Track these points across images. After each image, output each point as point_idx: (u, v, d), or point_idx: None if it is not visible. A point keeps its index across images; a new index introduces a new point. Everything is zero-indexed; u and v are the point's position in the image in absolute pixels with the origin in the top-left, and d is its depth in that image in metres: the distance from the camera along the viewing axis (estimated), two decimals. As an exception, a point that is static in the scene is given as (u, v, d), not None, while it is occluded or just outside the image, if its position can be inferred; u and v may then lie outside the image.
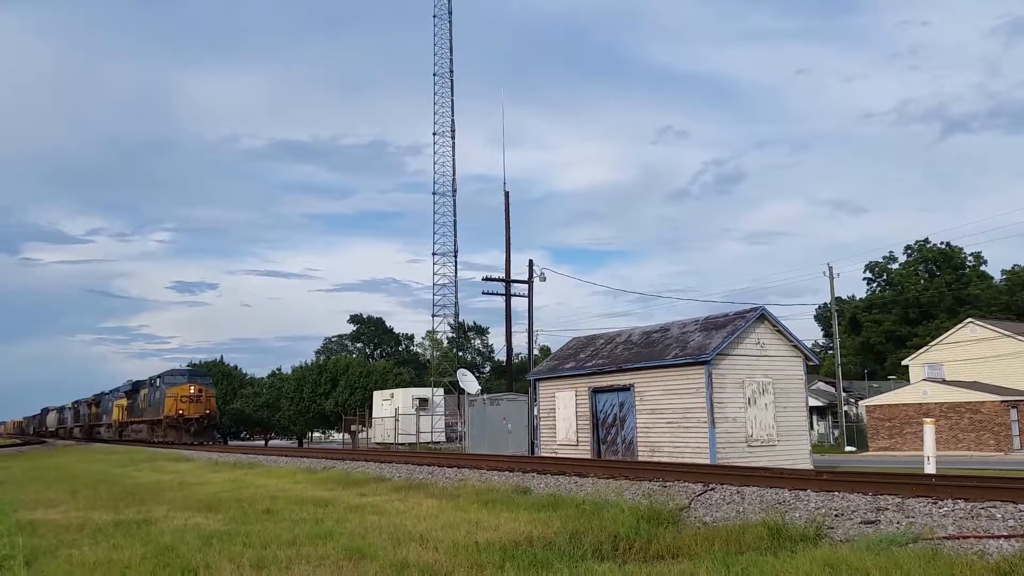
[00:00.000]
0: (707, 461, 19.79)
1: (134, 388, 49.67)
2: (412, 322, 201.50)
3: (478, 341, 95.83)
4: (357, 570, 7.10)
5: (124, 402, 52.25)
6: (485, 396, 36.25)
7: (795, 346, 23.27)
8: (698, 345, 22.05)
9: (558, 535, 8.24)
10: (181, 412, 41.89)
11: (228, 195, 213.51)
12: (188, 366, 60.63)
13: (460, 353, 70.49)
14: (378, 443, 45.37)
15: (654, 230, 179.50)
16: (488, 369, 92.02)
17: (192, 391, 42.84)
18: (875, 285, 70.98)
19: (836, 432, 49.96)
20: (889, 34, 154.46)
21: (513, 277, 39.19)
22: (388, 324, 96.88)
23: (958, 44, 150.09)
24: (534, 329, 39.38)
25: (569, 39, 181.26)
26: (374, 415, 46.95)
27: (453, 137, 44.85)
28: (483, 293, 39.59)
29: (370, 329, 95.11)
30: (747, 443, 21.43)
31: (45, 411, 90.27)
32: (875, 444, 42.41)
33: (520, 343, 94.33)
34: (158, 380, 44.76)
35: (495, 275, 39.53)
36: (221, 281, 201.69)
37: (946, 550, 6.64)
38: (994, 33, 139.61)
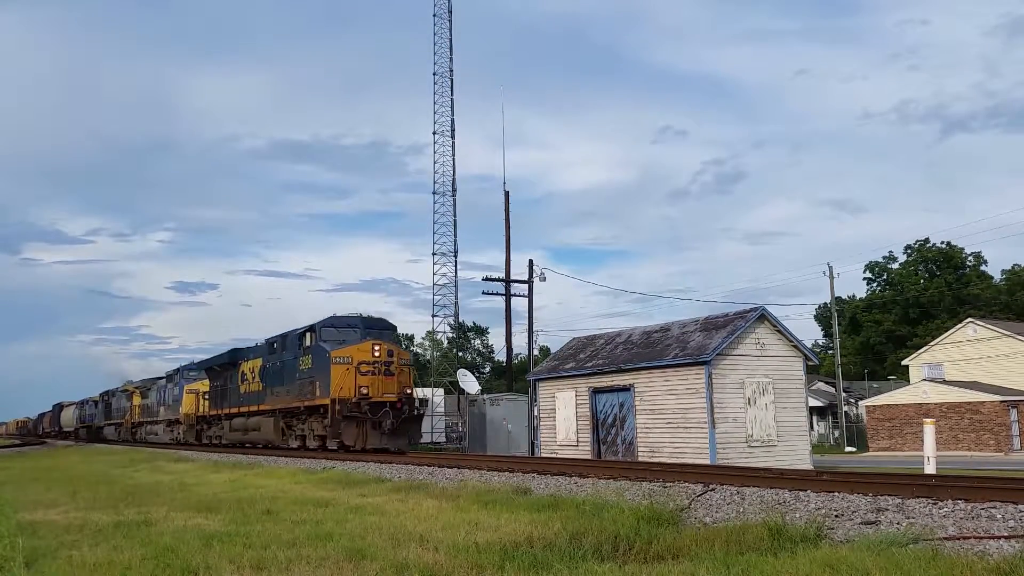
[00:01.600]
0: (707, 461, 19.79)
1: (231, 361, 32.35)
2: (412, 322, 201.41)
3: (478, 341, 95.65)
4: (357, 571, 7.10)
5: (204, 387, 35.77)
6: (485, 396, 36.25)
7: (795, 346, 23.28)
8: (698, 345, 22.05)
9: (558, 536, 8.23)
10: (364, 391, 23.53)
11: (228, 195, 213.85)
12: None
13: (460, 353, 70.41)
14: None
15: (654, 230, 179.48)
16: (488, 369, 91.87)
17: (376, 352, 24.24)
18: (875, 285, 71.05)
19: (836, 432, 49.96)
20: (889, 34, 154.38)
21: (513, 277, 39.16)
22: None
23: (958, 44, 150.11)
24: (534, 329, 39.38)
25: (569, 39, 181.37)
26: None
27: (453, 137, 44.81)
28: (483, 293, 39.56)
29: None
30: (747, 443, 21.43)
31: (59, 407, 77.97)
32: (875, 444, 42.43)
33: (520, 343, 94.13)
34: (308, 335, 25.73)
35: (495, 275, 39.51)
36: (221, 281, 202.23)
37: (946, 551, 6.63)
38: (994, 33, 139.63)
